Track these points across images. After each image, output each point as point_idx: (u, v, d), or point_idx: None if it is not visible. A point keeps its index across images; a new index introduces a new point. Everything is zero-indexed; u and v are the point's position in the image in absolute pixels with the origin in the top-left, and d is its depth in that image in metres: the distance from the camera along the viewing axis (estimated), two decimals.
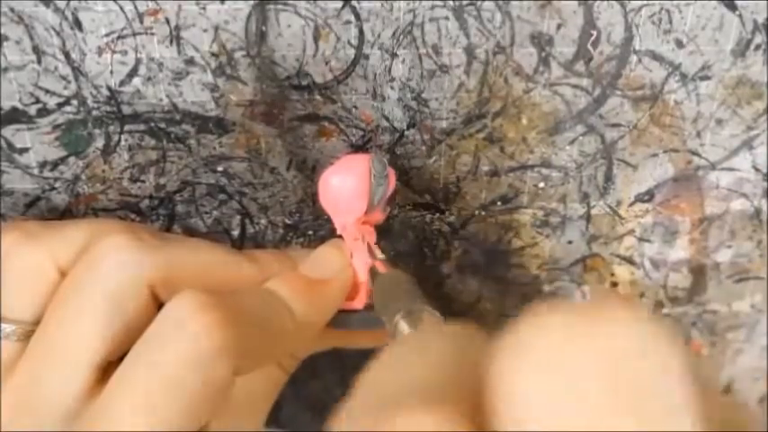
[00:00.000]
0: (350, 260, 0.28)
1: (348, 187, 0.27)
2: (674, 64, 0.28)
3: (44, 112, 0.27)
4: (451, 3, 0.26)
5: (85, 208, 0.30)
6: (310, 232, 0.31)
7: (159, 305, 0.26)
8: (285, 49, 0.27)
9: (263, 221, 0.31)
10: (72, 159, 0.29)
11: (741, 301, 0.35)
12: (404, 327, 0.23)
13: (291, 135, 0.29)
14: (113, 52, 0.26)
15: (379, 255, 0.28)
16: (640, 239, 0.33)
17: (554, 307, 0.14)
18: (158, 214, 0.30)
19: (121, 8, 0.26)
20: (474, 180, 0.30)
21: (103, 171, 0.29)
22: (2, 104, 0.27)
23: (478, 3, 0.26)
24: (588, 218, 0.32)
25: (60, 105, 0.27)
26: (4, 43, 0.26)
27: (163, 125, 0.28)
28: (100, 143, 0.28)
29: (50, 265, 0.26)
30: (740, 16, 0.27)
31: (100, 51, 0.26)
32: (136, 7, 0.26)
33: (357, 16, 0.26)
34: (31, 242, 0.26)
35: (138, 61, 0.27)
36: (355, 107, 0.28)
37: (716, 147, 0.30)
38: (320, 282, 0.27)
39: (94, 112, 0.28)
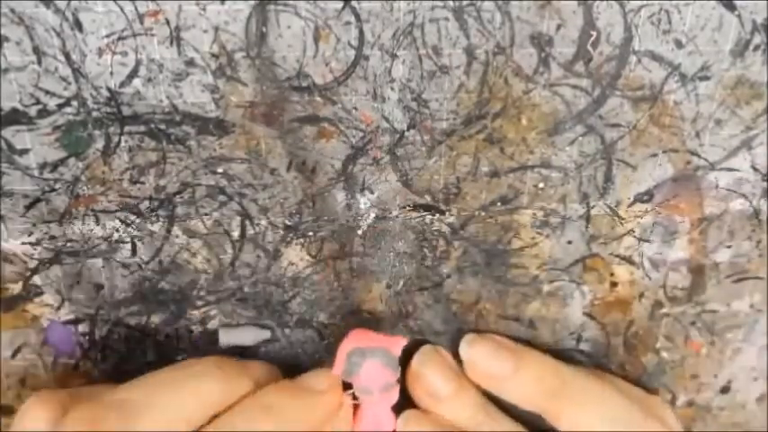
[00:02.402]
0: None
1: None
2: (674, 64, 0.28)
3: (44, 113, 0.27)
4: (451, 3, 0.26)
5: (85, 209, 0.30)
6: (310, 233, 0.31)
7: None
8: (285, 50, 0.27)
9: (263, 223, 0.31)
10: (72, 161, 0.29)
11: (740, 301, 0.35)
12: None
13: (291, 136, 0.29)
14: (113, 53, 0.26)
15: None
16: (640, 239, 0.33)
17: None
18: (158, 216, 0.30)
19: (122, 9, 0.26)
20: (474, 181, 0.30)
21: (103, 172, 0.29)
22: (2, 105, 0.27)
23: (478, 3, 0.26)
24: (588, 218, 0.32)
25: (60, 106, 0.27)
26: (5, 44, 0.26)
27: (163, 126, 0.28)
28: (100, 144, 0.28)
29: None
30: (739, 16, 0.27)
31: (100, 52, 0.26)
32: (136, 8, 0.26)
33: (357, 17, 0.26)
34: None
35: (138, 62, 0.27)
36: (355, 108, 0.28)
37: (715, 147, 0.30)
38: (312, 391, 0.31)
39: (94, 114, 0.28)
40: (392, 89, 0.28)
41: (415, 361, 0.33)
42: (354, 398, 0.32)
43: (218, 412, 0.28)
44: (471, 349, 0.33)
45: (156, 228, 0.31)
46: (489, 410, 0.33)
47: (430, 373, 0.33)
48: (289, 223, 0.31)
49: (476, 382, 0.33)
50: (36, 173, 0.29)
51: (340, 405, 0.31)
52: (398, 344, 0.32)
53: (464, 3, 0.26)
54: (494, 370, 0.32)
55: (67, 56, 0.26)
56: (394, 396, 0.32)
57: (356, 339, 0.32)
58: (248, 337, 0.34)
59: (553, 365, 0.33)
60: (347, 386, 0.32)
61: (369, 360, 0.31)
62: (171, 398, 0.27)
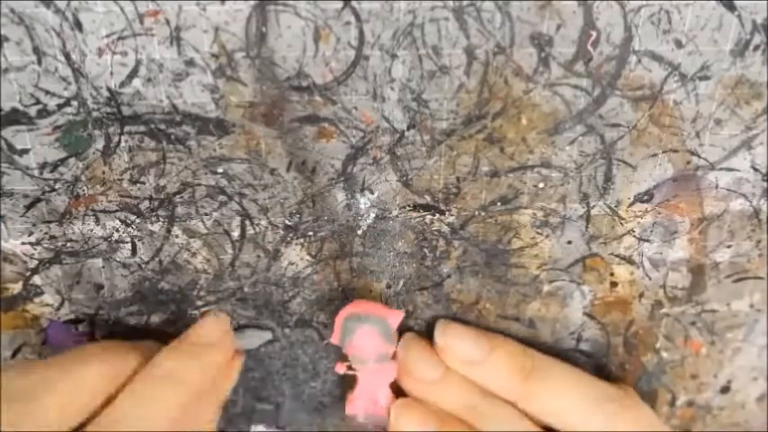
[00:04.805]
0: None
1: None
2: (674, 64, 0.28)
3: (44, 113, 0.27)
4: (451, 3, 0.26)
5: (85, 209, 0.30)
6: (310, 233, 0.31)
7: None
8: (285, 50, 0.27)
9: (263, 223, 0.31)
10: (72, 161, 0.29)
11: (740, 301, 0.35)
12: None
13: (291, 136, 0.29)
14: (113, 53, 0.26)
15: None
16: (640, 239, 0.33)
17: None
18: (158, 216, 0.30)
19: (122, 9, 0.26)
20: (474, 181, 0.30)
21: (103, 172, 0.29)
22: (2, 105, 0.27)
23: (478, 3, 0.26)
24: (588, 218, 0.32)
25: (60, 106, 0.27)
26: (5, 44, 0.26)
27: (163, 126, 0.28)
28: (100, 144, 0.28)
29: None
30: (739, 16, 0.27)
31: (100, 52, 0.26)
32: (136, 8, 0.26)
33: (357, 17, 0.26)
34: None
35: (138, 62, 0.27)
36: (355, 108, 0.28)
37: (715, 147, 0.30)
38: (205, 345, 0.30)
39: (94, 114, 0.28)
40: (392, 89, 0.28)
41: (399, 350, 0.33)
42: (351, 369, 0.32)
43: (111, 393, 0.28)
44: (446, 335, 0.33)
45: (156, 228, 0.31)
46: (484, 391, 0.32)
47: (415, 357, 0.32)
48: (289, 223, 0.31)
49: (452, 368, 0.33)
50: (36, 173, 0.29)
51: (233, 355, 0.32)
52: (396, 316, 0.32)
53: (464, 3, 0.26)
54: (469, 353, 0.32)
55: (67, 56, 0.26)
56: (391, 372, 0.32)
57: (354, 307, 0.32)
58: (253, 342, 0.34)
59: (523, 347, 0.33)
60: (344, 358, 0.32)
61: (363, 326, 0.31)
62: (61, 385, 0.27)
